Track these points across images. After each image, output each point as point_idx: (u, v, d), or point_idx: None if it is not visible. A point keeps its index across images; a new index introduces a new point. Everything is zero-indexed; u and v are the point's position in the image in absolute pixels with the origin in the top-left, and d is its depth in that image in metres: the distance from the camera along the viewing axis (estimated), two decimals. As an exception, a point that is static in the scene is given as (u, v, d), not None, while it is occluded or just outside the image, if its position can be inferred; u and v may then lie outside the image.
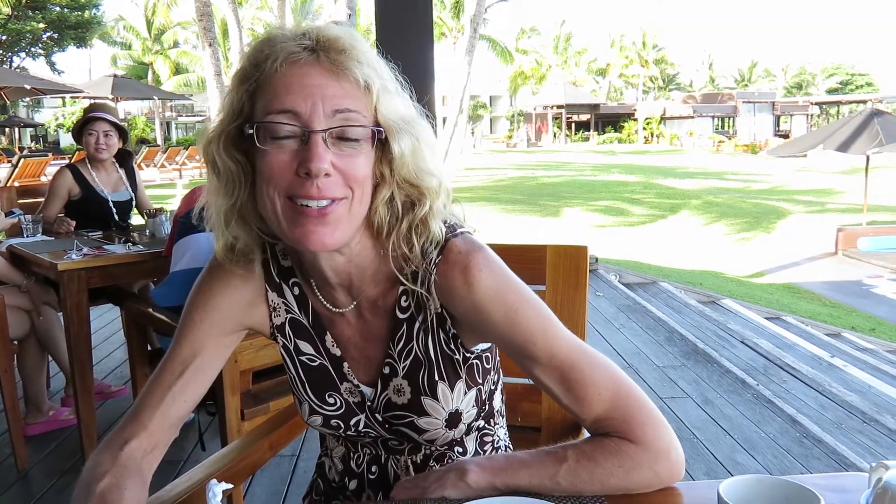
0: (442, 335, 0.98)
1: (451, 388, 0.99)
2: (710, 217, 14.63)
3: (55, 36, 35.85)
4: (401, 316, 0.98)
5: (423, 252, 0.93)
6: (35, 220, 3.27)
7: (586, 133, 51.75)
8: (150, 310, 2.50)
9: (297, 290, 1.02)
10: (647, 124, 48.31)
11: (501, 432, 1.15)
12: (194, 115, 40.96)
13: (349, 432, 1.04)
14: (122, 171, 3.71)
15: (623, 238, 11.92)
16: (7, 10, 28.90)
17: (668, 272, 8.72)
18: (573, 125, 53.32)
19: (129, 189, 3.73)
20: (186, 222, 2.61)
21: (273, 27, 0.89)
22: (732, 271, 10.29)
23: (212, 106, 12.18)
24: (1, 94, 17.71)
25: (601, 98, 58.56)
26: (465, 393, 1.01)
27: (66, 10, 34.50)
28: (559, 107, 49.07)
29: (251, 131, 0.85)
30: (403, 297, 0.98)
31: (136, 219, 3.84)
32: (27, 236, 3.20)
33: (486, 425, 1.10)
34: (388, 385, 1.01)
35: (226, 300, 1.01)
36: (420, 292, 0.95)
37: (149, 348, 2.97)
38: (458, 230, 0.96)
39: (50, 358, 3.12)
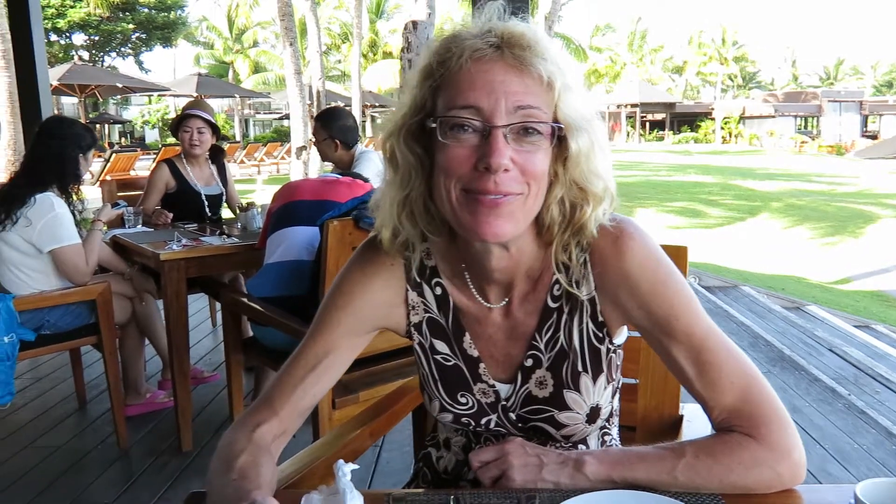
0: (590, 324, 0.99)
1: (594, 380, 1.00)
2: (791, 220, 14.09)
3: (143, 36, 37.42)
4: (552, 305, 1.00)
5: (580, 248, 0.96)
6: (136, 212, 3.44)
7: (661, 132, 50.63)
8: (245, 300, 2.59)
9: (438, 290, 1.05)
10: (725, 124, 46.89)
11: (615, 431, 1.16)
12: (271, 113, 42.04)
13: (478, 429, 1.06)
14: (213, 167, 3.87)
15: (699, 240, 11.61)
16: (100, 12, 30.27)
17: (747, 276, 8.46)
18: (647, 124, 52.25)
19: (220, 184, 3.88)
20: (280, 216, 2.71)
21: (458, 24, 0.91)
22: (816, 277, 9.89)
23: (291, 103, 12.47)
24: (95, 92, 18.67)
25: (677, 96, 57.19)
26: (605, 388, 1.02)
27: (153, 11, 35.97)
28: (633, 105, 48.18)
29: (433, 125, 0.88)
30: (556, 286, 0.99)
31: (225, 212, 3.99)
32: (129, 227, 3.37)
33: (606, 423, 1.11)
34: (529, 378, 1.02)
35: (366, 304, 1.04)
36: (573, 276, 0.97)
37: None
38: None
39: (146, 343, 3.28)
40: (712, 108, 49.28)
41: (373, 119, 29.16)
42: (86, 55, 34.76)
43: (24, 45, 4.84)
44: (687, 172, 23.71)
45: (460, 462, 1.13)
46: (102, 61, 36.81)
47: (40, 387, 3.60)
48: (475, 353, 1.04)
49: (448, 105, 0.87)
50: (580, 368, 1.00)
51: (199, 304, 4.90)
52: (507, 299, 1.02)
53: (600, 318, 0.99)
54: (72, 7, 32.33)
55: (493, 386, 1.04)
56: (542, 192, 0.90)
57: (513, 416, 1.04)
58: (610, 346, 1.01)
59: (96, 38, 35.96)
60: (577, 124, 0.89)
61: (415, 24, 6.80)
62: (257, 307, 2.50)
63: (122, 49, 38.21)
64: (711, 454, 0.90)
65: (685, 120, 51.51)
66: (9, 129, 13.62)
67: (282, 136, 31.20)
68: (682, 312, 0.94)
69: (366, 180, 2.89)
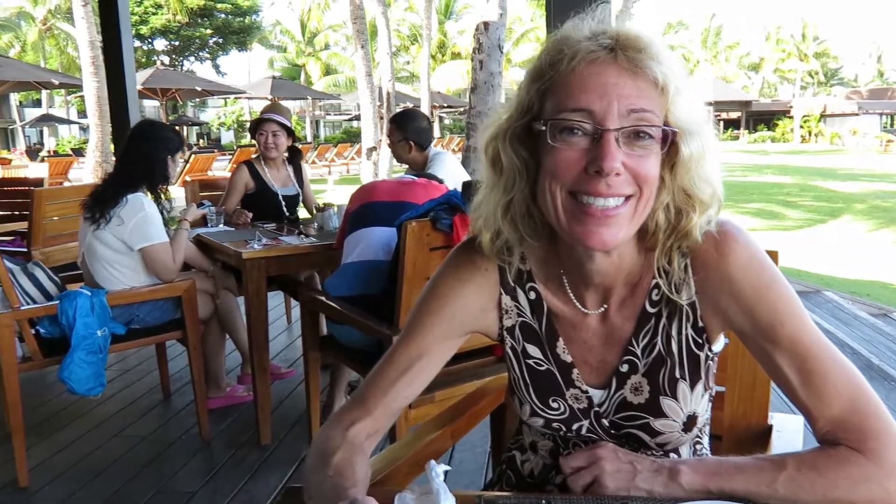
0: (689, 329, 0.97)
1: (692, 387, 0.98)
2: (876, 223, 13.45)
3: (220, 41, 38.72)
4: (650, 310, 0.99)
5: (681, 252, 0.95)
6: (218, 212, 3.55)
7: (736, 131, 49.15)
8: (323, 298, 2.64)
9: (532, 295, 1.04)
10: (805, 122, 45.14)
11: (706, 440, 1.13)
12: (341, 114, 42.80)
13: (569, 434, 1.06)
14: (290, 168, 3.97)
15: (777, 243, 11.20)
16: (180, 18, 31.42)
17: (829, 281, 8.13)
18: (722, 123, 50.76)
19: (297, 185, 3.98)
20: (357, 217, 2.75)
21: (567, 26, 0.90)
22: (904, 283, 9.41)
23: (362, 104, 12.67)
24: (175, 96, 19.38)
25: (753, 94, 55.41)
26: (702, 395, 1.00)
27: (230, 16, 37.14)
28: (707, 103, 45.85)
29: (542, 128, 0.87)
30: (655, 291, 0.98)
31: (301, 212, 4.09)
32: (211, 226, 3.49)
33: (699, 432, 1.09)
34: (624, 384, 1.01)
35: (459, 308, 1.04)
36: (673, 281, 0.95)
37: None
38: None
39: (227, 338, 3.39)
40: (791, 106, 47.53)
41: (440, 120, 29.29)
42: (166, 60, 36.18)
43: (114, 52, 5.07)
44: (763, 173, 22.93)
45: (547, 466, 1.12)
46: (181, 65, 38.26)
47: (126, 379, 3.77)
48: (569, 359, 1.03)
49: (558, 107, 0.86)
50: (678, 375, 0.98)
51: (274, 302, 5.01)
52: (605, 305, 1.01)
53: (700, 324, 0.97)
54: (154, 14, 33.71)
55: (586, 391, 1.03)
56: (652, 197, 0.88)
57: (605, 422, 1.03)
58: (709, 353, 0.99)
59: (176, 43, 37.43)
60: (689, 129, 0.88)
61: (486, 24, 6.81)
62: (335, 306, 2.55)
63: (200, 53, 39.67)
64: (815, 468, 0.87)
65: (761, 118, 49.84)
66: (97, 131, 14.33)
67: (351, 137, 31.74)
68: (787, 318, 0.91)
69: (440, 181, 2.91)
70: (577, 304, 1.02)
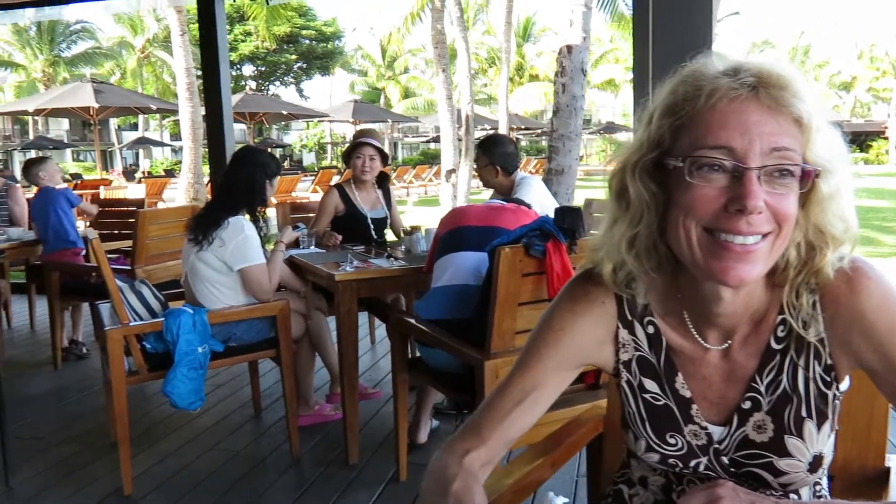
0: (817, 367, 0.96)
1: (819, 427, 0.96)
2: (985, 251, 12.62)
3: (304, 66, 40.06)
4: (775, 347, 0.97)
5: (809, 289, 0.94)
6: (309, 234, 3.66)
7: (826, 153, 47.17)
8: (413, 321, 2.68)
9: (651, 329, 1.04)
10: (901, 143, 42.94)
11: (825, 481, 1.10)
12: (418, 136, 43.42)
13: (685, 471, 1.04)
14: (379, 192, 4.05)
15: (874, 271, 10.66)
16: (268, 45, 32.69)
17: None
18: (810, 144, 48.88)
19: (385, 208, 4.06)
20: (447, 242, 2.79)
21: (701, 61, 0.90)
22: None
23: (442, 127, 12.84)
24: (262, 119, 20.15)
25: (844, 114, 53.14)
26: (829, 435, 0.97)
27: (314, 42, 38.41)
28: None
29: (679, 163, 0.87)
30: (780, 327, 0.97)
31: (387, 234, 4.16)
32: (303, 248, 3.60)
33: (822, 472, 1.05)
34: (746, 421, 0.99)
35: (575, 341, 1.05)
36: (800, 317, 0.94)
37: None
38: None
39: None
40: (886, 127, 45.30)
41: (518, 142, 29.32)
42: (253, 84, 37.69)
43: (213, 79, 5.34)
44: (858, 196, 21.84)
45: (659, 502, 1.11)
46: (267, 90, 39.76)
47: (219, 394, 3.90)
48: (687, 394, 1.02)
49: (696, 144, 0.86)
50: (804, 414, 0.96)
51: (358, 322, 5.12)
52: (728, 341, 0.99)
53: (829, 362, 0.95)
54: (243, 41, 35.21)
55: (705, 428, 1.02)
56: (789, 234, 0.88)
57: (725, 459, 1.01)
58: (836, 392, 0.96)
59: (263, 68, 38.95)
60: (827, 166, 0.87)
61: (569, 48, 6.82)
62: (426, 329, 2.58)
63: (285, 78, 41.14)
64: None
65: (854, 140, 47.69)
66: (190, 153, 15.01)
67: (429, 159, 32.13)
68: None
69: (528, 206, 2.92)
70: (699, 339, 1.01)
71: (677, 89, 0.89)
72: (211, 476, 2.91)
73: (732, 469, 1.00)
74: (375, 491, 2.74)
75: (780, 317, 0.96)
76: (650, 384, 1.04)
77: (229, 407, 3.71)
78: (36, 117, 30.59)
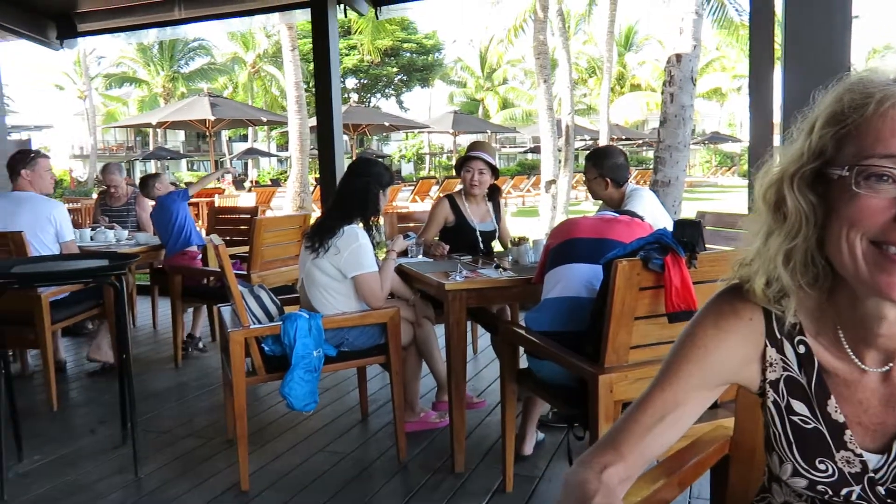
0: None
1: None
2: None
3: (404, 78, 40.89)
4: None
5: None
6: (418, 243, 3.72)
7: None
8: (523, 332, 2.67)
9: (802, 349, 1.00)
10: None
11: None
12: (516, 147, 43.39)
13: (835, 499, 0.99)
14: (489, 205, 4.07)
15: None
16: (371, 58, 33.56)
17: None
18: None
19: (494, 220, 4.07)
20: (558, 253, 2.77)
21: (867, 68, 0.88)
22: None
23: (542, 138, 12.77)
24: (365, 130, 20.69)
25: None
26: None
27: (415, 55, 39.16)
28: None
29: (844, 173, 0.84)
30: None
31: (494, 245, 4.17)
32: (411, 257, 3.66)
33: None
34: None
35: (719, 359, 1.02)
36: None
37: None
38: None
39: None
40: None
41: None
42: (355, 97, 38.78)
43: (325, 91, 5.55)
44: None
45: None
46: (368, 102, 40.82)
47: (327, 397, 4.01)
48: (841, 419, 0.97)
49: (864, 153, 0.82)
50: None
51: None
52: (889, 364, 0.94)
53: None
54: (346, 55, 36.31)
55: (860, 455, 0.96)
56: None
57: (881, 490, 0.95)
58: None
59: (365, 81, 40.03)
60: None
61: (679, 57, 6.64)
62: (537, 340, 2.57)
63: (386, 90, 42.11)
64: None
65: None
66: (297, 164, 15.59)
67: (526, 170, 32.04)
68: None
69: (641, 218, 2.86)
70: (856, 360, 0.96)
71: (843, 97, 0.85)
72: (321, 477, 3.00)
73: (889, 500, 0.95)
74: (482, 501, 2.74)
75: None
76: (799, 406, 1.00)
77: (337, 410, 3.81)
78: (157, 129, 32.61)
